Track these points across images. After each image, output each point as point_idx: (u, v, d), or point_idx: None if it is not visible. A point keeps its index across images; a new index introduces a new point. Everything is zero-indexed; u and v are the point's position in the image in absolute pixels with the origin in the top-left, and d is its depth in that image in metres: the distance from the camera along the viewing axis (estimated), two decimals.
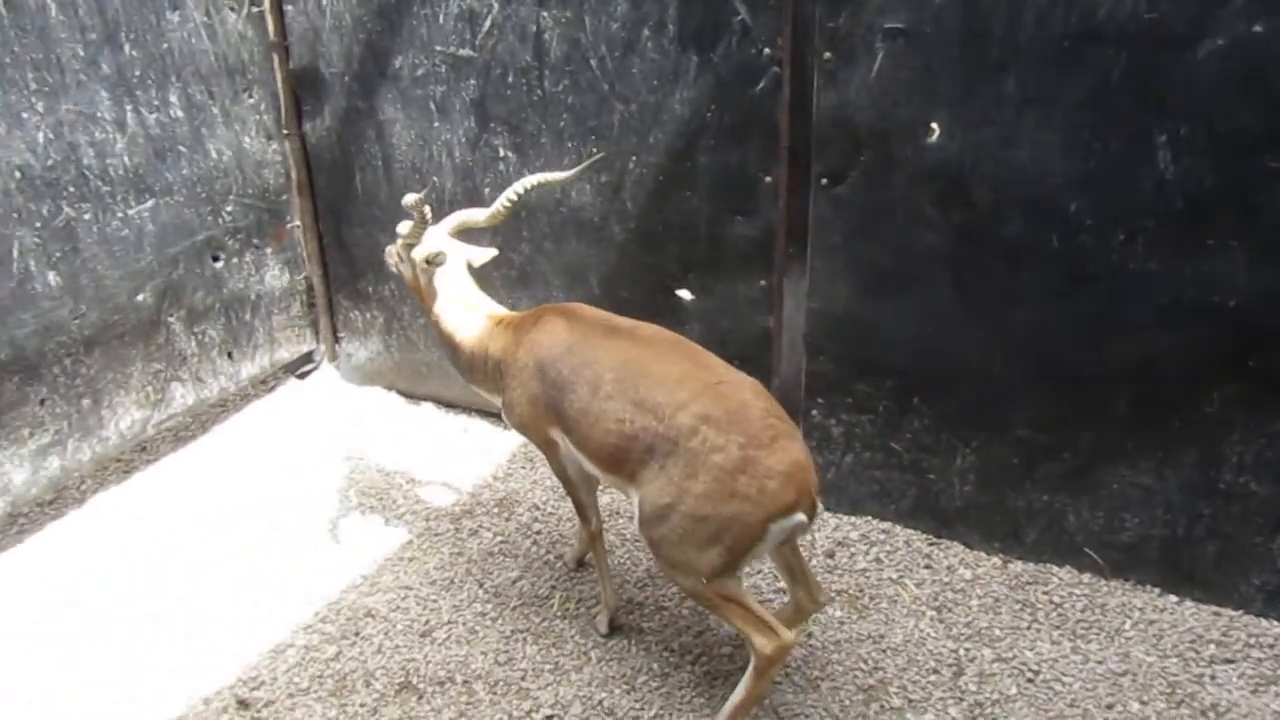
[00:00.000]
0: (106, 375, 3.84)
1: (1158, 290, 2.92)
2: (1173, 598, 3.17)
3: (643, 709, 2.83)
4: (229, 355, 4.41)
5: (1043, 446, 3.25)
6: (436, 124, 4.02)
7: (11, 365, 3.46)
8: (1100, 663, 2.93)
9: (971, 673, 2.92)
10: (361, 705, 2.88)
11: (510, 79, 3.78)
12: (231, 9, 4.10)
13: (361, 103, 4.17)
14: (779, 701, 2.83)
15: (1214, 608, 3.11)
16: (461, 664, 3.03)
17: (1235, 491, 3.01)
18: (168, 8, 3.83)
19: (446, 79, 3.92)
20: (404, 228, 3.08)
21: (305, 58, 4.24)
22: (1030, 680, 2.88)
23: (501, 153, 3.93)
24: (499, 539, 3.64)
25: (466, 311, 3.09)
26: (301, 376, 4.92)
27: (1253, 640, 2.99)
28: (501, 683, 2.95)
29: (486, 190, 4.00)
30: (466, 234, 3.15)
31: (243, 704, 2.91)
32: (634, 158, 3.65)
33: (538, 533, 3.66)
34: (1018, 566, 3.36)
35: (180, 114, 3.95)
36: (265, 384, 4.80)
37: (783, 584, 3.22)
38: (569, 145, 3.76)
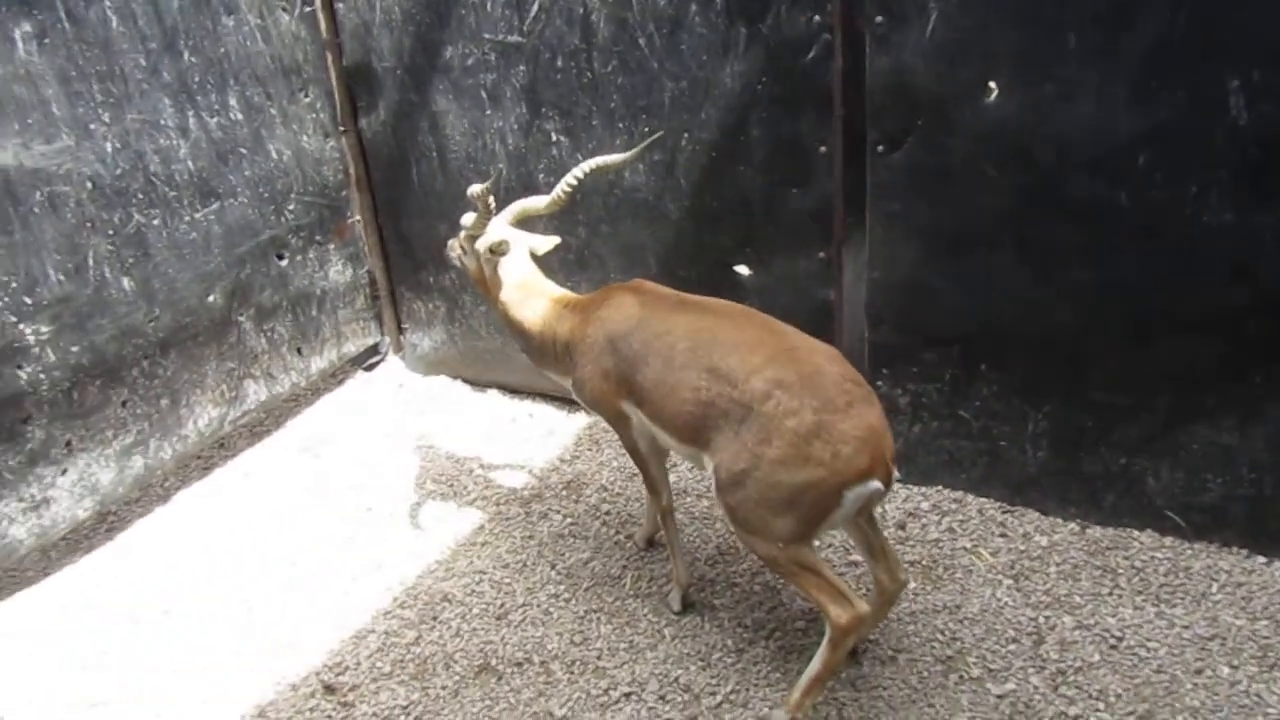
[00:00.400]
0: (183, 375, 3.96)
1: (1233, 243, 2.82)
2: (1261, 559, 3.07)
3: (719, 685, 2.84)
4: (298, 351, 4.51)
5: (1118, 408, 3.17)
6: (489, 112, 4.04)
7: (93, 370, 3.58)
8: (1186, 627, 2.86)
9: (1052, 641, 2.87)
10: (443, 688, 2.94)
11: (559, 63, 3.78)
12: (284, 10, 4.16)
13: (414, 95, 4.22)
14: (855, 675, 2.82)
15: None
16: (538, 645, 3.07)
17: None
18: (223, 12, 3.91)
19: (496, 67, 3.94)
20: (467, 219, 3.10)
21: (357, 54, 4.30)
22: (1114, 647, 2.83)
23: (554, 137, 3.94)
24: (569, 521, 3.67)
25: (532, 298, 3.12)
26: (369, 369, 5.01)
27: None
28: (578, 662, 2.98)
29: (540, 176, 4.02)
30: (527, 222, 3.17)
31: (329, 689, 2.99)
32: (686, 135, 3.63)
33: (606, 514, 3.69)
34: (1096, 532, 3.29)
35: (240, 117, 4.03)
36: (334, 377, 4.90)
37: (855, 557, 3.22)
38: (620, 126, 3.76)
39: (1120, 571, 3.11)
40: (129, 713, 2.97)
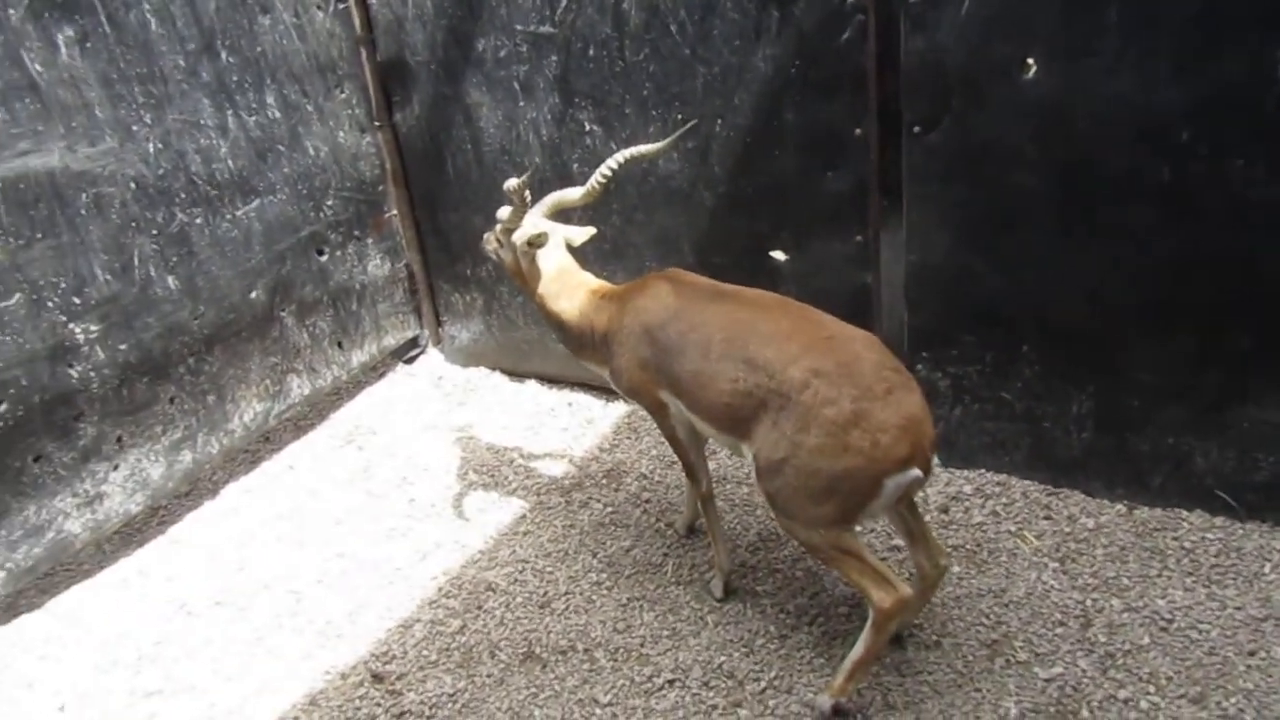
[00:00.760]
0: (228, 371, 4.02)
1: None
2: None
3: (762, 671, 2.84)
4: (339, 345, 4.57)
5: (1165, 388, 3.12)
6: (522, 104, 4.06)
7: (141, 367, 3.65)
8: (1239, 608, 2.81)
9: (1100, 624, 2.84)
10: (488, 676, 2.98)
11: (591, 52, 3.78)
12: (319, 7, 4.20)
13: (448, 89, 4.24)
14: (901, 660, 2.81)
15: None
16: (581, 633, 3.09)
17: None
18: (259, 12, 3.95)
19: (529, 58, 3.94)
20: (504, 213, 3.11)
21: (391, 49, 4.33)
22: (1164, 629, 2.79)
23: (587, 127, 3.94)
24: (609, 509, 3.69)
25: (569, 289, 3.13)
26: (409, 361, 5.06)
27: None
28: (621, 650, 3.00)
29: (575, 167, 4.02)
30: (562, 213, 3.17)
31: (377, 678, 3.03)
32: (719, 121, 3.62)
33: (647, 501, 3.70)
34: (1144, 513, 3.24)
35: (278, 114, 4.08)
36: (375, 370, 4.96)
37: (898, 542, 3.20)
38: (653, 114, 3.75)
39: (1169, 553, 3.07)
40: (184, 703, 3.03)
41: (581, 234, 3.22)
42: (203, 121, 3.79)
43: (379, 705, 2.92)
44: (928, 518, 3.35)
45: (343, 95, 4.38)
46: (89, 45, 3.36)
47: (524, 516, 3.73)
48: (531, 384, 4.71)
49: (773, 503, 2.57)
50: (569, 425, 4.32)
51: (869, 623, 2.53)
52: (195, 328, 3.84)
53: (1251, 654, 2.66)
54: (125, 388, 3.61)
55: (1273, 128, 2.68)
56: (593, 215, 3.89)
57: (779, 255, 3.71)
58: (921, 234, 3.35)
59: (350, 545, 3.69)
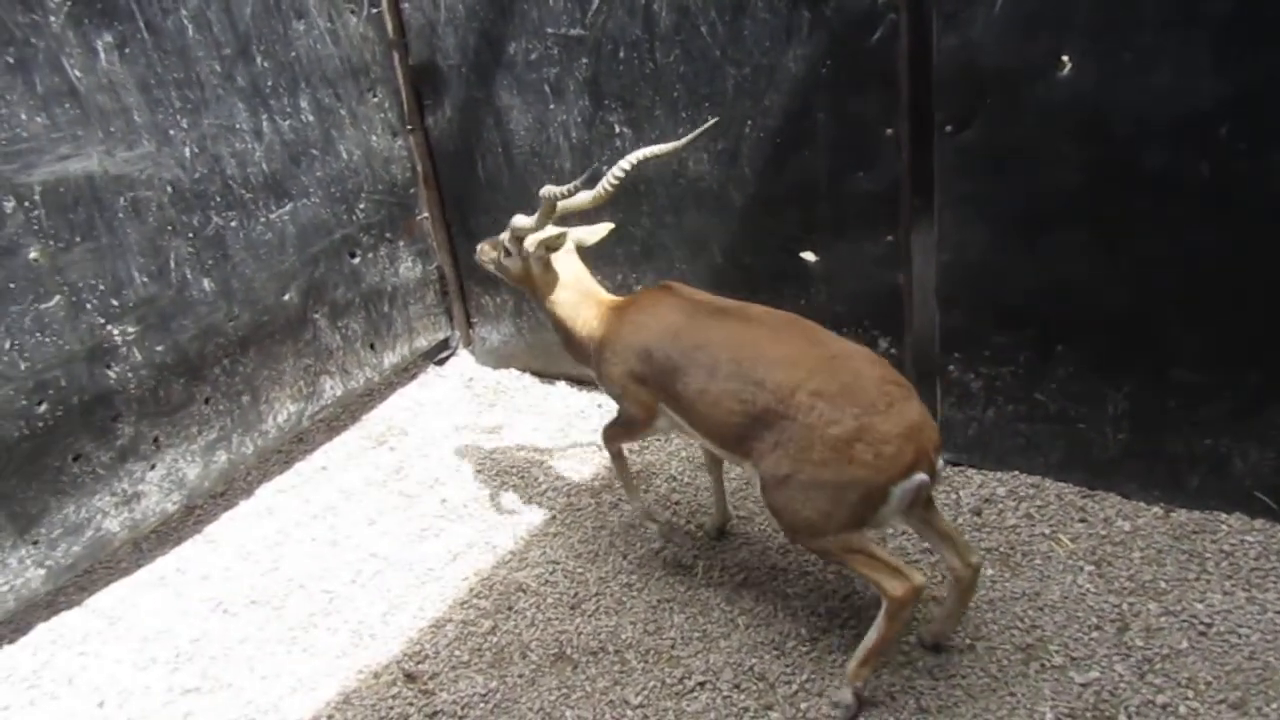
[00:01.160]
0: (262, 373, 4.06)
1: None
2: None
3: (794, 673, 2.83)
4: (371, 347, 4.60)
5: (1203, 387, 3.07)
6: (552, 106, 4.07)
7: (177, 368, 3.70)
8: (1279, 613, 2.77)
9: (1137, 627, 2.80)
10: (520, 676, 2.98)
11: (621, 54, 3.79)
12: (352, 12, 4.24)
13: (479, 92, 4.26)
14: (934, 664, 2.79)
15: None
16: (612, 634, 3.09)
17: None
18: (294, 17, 3.99)
19: (559, 60, 3.96)
20: (521, 220, 3.08)
21: (423, 53, 4.36)
22: (1202, 633, 2.75)
23: (617, 129, 3.95)
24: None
25: (582, 298, 3.15)
26: (440, 363, 5.09)
27: None
28: (652, 651, 3.00)
29: (605, 169, 4.00)
30: (568, 218, 3.07)
31: (409, 677, 3.05)
32: (749, 122, 3.61)
33: (676, 503, 3.70)
34: (1181, 515, 3.20)
35: (311, 118, 4.12)
36: (407, 372, 4.99)
37: (926, 545, 3.17)
38: (683, 115, 3.75)
39: (1208, 556, 3.02)
40: (221, 700, 3.07)
41: (594, 233, 3.21)
42: (238, 126, 3.83)
43: (411, 705, 2.94)
44: (960, 520, 3.33)
45: (375, 99, 4.41)
46: (127, 51, 3.42)
47: (554, 518, 3.74)
48: (561, 386, 4.72)
49: (780, 517, 2.64)
50: (599, 427, 4.29)
51: (882, 612, 2.56)
52: (230, 329, 3.89)
53: None
54: (162, 389, 3.65)
55: None
56: (624, 218, 3.89)
57: (809, 256, 3.70)
58: (954, 234, 3.33)
59: (383, 545, 3.72)
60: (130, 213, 3.48)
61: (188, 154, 3.65)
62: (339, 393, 4.46)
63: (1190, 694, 2.57)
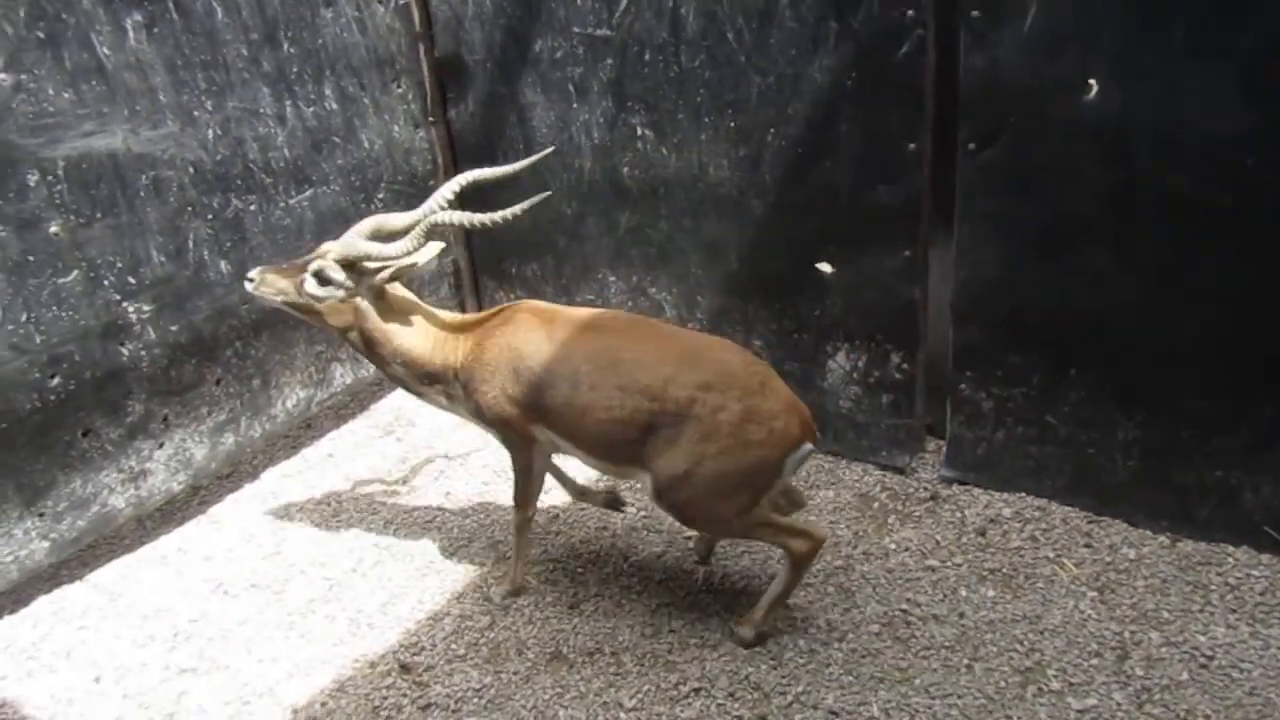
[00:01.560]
0: (274, 357, 4.08)
1: None
2: None
3: (790, 684, 2.82)
4: None
5: (1216, 419, 3.05)
6: (575, 105, 4.07)
7: (190, 348, 3.71)
8: None
9: (1138, 656, 2.78)
10: (515, 673, 2.98)
11: (647, 57, 3.79)
12: (380, 2, 4.25)
13: (503, 88, 4.27)
14: (929, 682, 2.78)
15: None
16: (609, 636, 3.09)
17: None
18: (322, 4, 4.01)
19: (585, 60, 3.96)
20: (367, 246, 2.90)
21: (449, 46, 4.37)
22: (1204, 666, 2.73)
23: (639, 131, 3.94)
24: (641, 514, 3.68)
25: (412, 321, 3.06)
26: None
27: None
28: (649, 655, 2.99)
29: (625, 170, 4.03)
30: (381, 239, 2.98)
31: (404, 668, 3.05)
32: (772, 130, 3.60)
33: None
34: (1188, 546, 3.18)
35: (335, 106, 4.13)
36: None
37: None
38: (705, 121, 3.75)
39: (1213, 588, 3.00)
40: (217, 681, 3.07)
41: (426, 253, 2.97)
42: (262, 110, 3.84)
43: (405, 695, 2.94)
44: (964, 540, 3.32)
45: (399, 90, 4.42)
46: (156, 31, 3.43)
47: (557, 516, 3.74)
48: None
49: (680, 514, 2.80)
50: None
51: (788, 565, 2.81)
52: (244, 313, 3.90)
53: None
54: (174, 368, 3.67)
55: None
56: (641, 219, 3.89)
57: (825, 267, 3.69)
58: (972, 251, 3.32)
59: (385, 535, 3.73)
60: (151, 192, 3.49)
61: (211, 136, 3.67)
62: (349, 381, 4.47)
63: None
